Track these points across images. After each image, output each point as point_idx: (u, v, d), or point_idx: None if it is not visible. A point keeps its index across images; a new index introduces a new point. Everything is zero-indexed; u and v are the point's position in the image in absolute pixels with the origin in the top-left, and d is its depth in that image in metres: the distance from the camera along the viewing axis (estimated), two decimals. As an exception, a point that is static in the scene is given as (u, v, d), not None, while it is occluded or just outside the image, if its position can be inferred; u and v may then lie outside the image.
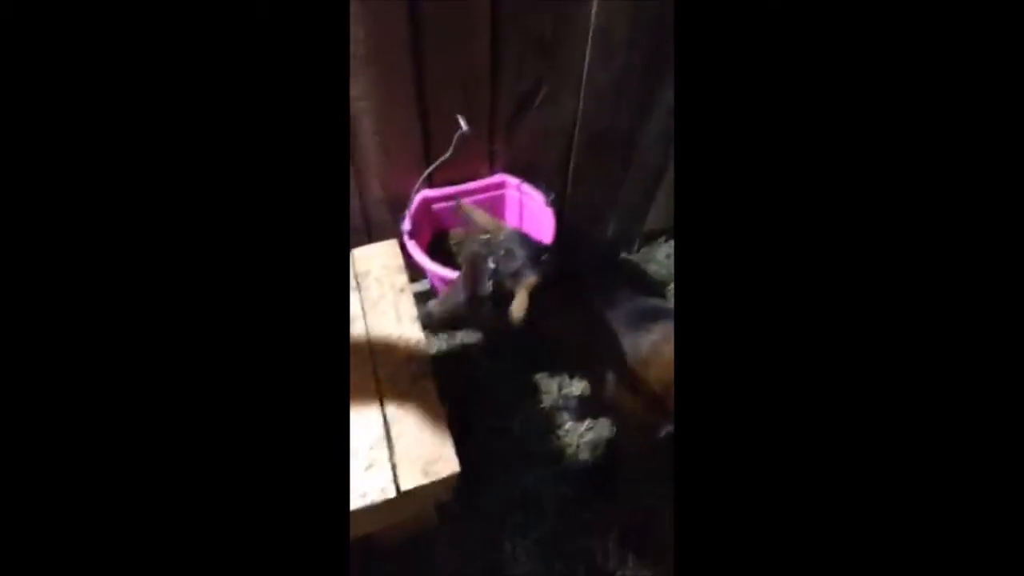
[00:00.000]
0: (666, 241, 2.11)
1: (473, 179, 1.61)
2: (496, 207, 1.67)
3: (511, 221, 1.70)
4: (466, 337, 1.84)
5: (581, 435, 1.65)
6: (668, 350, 1.12)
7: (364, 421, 1.13)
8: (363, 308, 1.31)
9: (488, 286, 1.09)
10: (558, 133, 1.57)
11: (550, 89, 1.44)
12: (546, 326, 1.15)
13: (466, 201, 1.33)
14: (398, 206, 1.56)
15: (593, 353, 1.20)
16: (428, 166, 1.49)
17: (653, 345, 1.14)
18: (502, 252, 1.10)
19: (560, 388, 1.75)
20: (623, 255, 2.10)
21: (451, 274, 1.42)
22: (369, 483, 1.05)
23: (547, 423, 1.67)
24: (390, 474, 1.06)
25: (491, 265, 1.09)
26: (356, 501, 1.03)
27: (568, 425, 1.67)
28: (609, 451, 1.55)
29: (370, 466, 1.07)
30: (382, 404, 1.16)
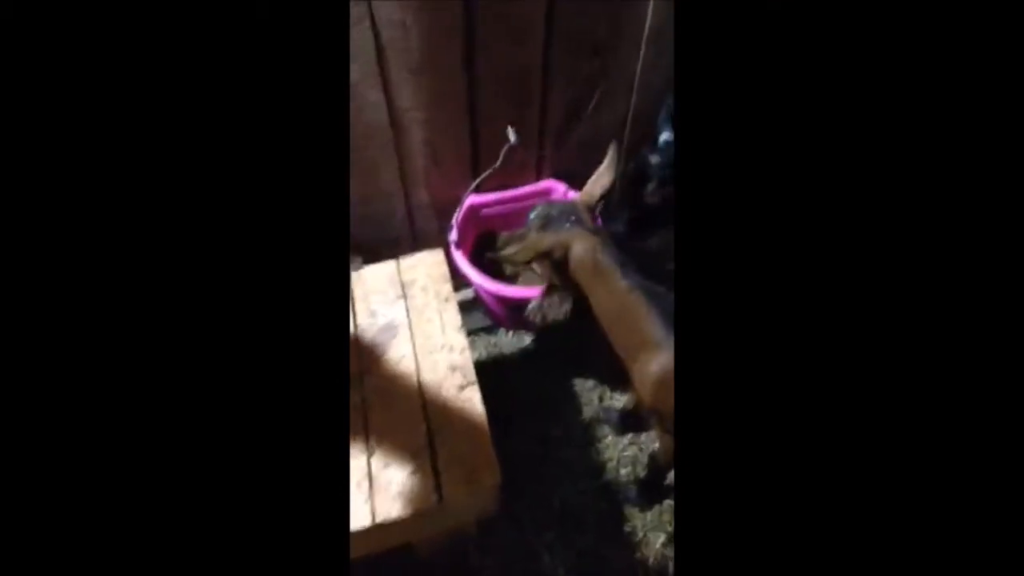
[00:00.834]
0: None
1: (520, 185, 1.60)
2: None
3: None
4: (507, 345, 1.84)
5: (622, 449, 1.62)
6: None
7: (408, 428, 1.14)
8: (408, 317, 1.32)
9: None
10: (609, 138, 1.55)
11: (602, 93, 1.42)
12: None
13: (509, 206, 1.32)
14: (445, 215, 1.57)
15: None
16: (477, 175, 1.49)
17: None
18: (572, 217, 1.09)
19: (601, 400, 1.72)
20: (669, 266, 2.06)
21: (494, 284, 1.41)
22: (412, 489, 1.06)
23: (588, 435, 1.65)
24: (433, 481, 1.07)
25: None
26: (397, 508, 1.04)
27: (609, 439, 1.64)
28: (651, 466, 1.52)
29: (413, 472, 1.08)
30: (426, 412, 1.17)
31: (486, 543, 1.45)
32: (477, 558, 1.43)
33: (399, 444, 1.12)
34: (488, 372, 1.74)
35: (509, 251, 1.08)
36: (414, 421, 1.15)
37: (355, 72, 1.17)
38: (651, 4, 1.28)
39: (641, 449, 1.62)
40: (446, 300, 1.35)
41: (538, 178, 1.62)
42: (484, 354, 1.82)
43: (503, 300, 1.45)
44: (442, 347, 1.26)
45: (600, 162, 1.18)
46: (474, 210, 1.60)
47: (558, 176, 1.61)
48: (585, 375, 1.76)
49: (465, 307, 1.62)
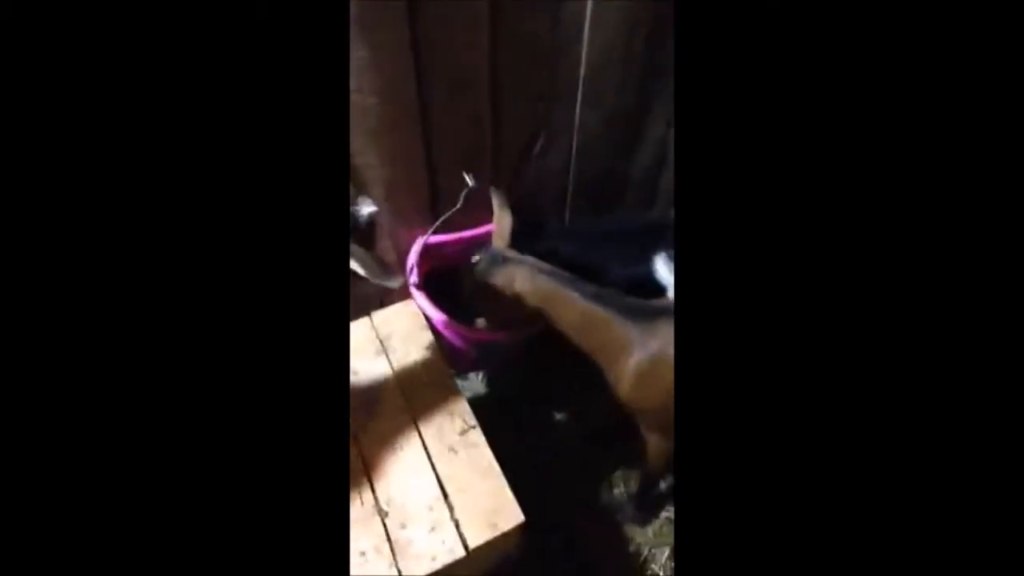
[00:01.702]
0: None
1: (477, 226, 1.64)
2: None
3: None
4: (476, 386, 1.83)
5: (612, 469, 1.63)
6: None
7: (417, 482, 1.12)
8: (393, 370, 1.30)
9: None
10: (558, 174, 1.64)
11: (547, 136, 1.51)
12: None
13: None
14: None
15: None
16: (435, 220, 1.52)
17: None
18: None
19: (579, 419, 1.73)
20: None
21: (452, 320, 1.43)
22: (436, 545, 1.03)
23: (575, 462, 1.65)
24: (455, 532, 1.05)
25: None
26: (423, 567, 1.00)
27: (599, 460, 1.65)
28: (643, 477, 1.53)
29: (433, 528, 1.05)
30: (431, 462, 1.15)
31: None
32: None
33: (411, 500, 1.09)
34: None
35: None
36: (421, 474, 1.13)
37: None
38: (584, 50, 1.39)
39: (630, 466, 1.65)
40: (427, 348, 1.34)
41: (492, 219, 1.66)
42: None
43: (469, 338, 1.46)
44: (434, 394, 1.25)
45: (550, 198, 1.27)
46: (429, 249, 1.61)
47: (513, 213, 1.66)
48: (556, 404, 1.78)
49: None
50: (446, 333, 1.50)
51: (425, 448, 1.17)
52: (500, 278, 1.18)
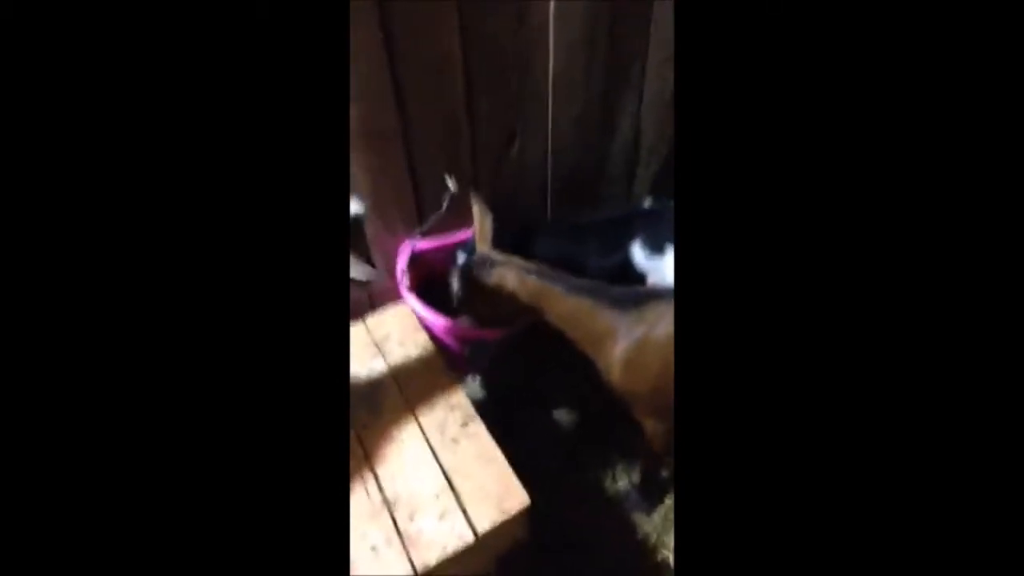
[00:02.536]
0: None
1: (461, 228, 1.67)
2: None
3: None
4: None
5: (612, 462, 1.64)
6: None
7: (422, 474, 1.12)
8: (392, 371, 1.31)
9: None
10: (536, 174, 1.68)
11: (523, 136, 1.56)
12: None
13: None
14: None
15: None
16: (420, 225, 1.55)
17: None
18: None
19: (577, 419, 1.75)
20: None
21: (445, 320, 1.45)
22: (445, 533, 1.03)
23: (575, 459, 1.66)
24: (463, 518, 1.05)
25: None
26: (435, 555, 1.01)
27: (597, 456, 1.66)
28: (644, 465, 1.55)
29: (442, 516, 1.06)
30: (435, 454, 1.15)
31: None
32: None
33: (418, 492, 1.09)
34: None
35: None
36: (426, 466, 1.13)
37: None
38: (551, 50, 1.45)
39: (632, 457, 1.66)
40: (424, 348, 1.36)
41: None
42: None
43: (461, 337, 1.48)
44: (434, 391, 1.26)
45: (529, 198, 1.30)
46: (416, 258, 1.63)
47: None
48: (553, 402, 1.79)
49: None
50: (439, 333, 1.51)
51: (428, 441, 1.18)
52: (492, 280, 1.21)
